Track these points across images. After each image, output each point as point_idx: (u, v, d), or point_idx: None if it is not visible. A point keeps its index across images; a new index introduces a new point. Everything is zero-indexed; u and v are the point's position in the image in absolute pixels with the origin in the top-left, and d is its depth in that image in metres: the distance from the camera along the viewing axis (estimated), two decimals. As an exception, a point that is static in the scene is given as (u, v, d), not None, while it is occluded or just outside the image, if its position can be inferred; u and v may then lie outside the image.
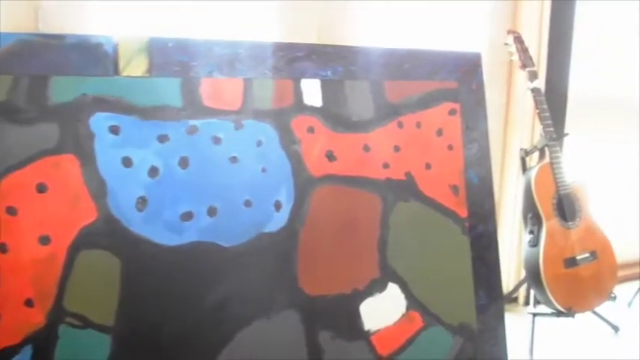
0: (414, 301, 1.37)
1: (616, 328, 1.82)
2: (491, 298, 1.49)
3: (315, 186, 1.29)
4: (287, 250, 1.26)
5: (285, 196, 1.26)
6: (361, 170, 1.33)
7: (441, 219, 1.42)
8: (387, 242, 1.35)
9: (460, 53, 1.50)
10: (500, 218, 2.03)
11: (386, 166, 1.36)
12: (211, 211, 1.20)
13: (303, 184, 1.28)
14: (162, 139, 1.18)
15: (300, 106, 1.29)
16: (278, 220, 1.25)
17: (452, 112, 1.46)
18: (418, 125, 1.41)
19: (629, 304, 2.01)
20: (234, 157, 1.23)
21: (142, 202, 1.15)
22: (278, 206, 1.25)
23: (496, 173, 1.99)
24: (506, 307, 1.97)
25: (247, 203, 1.23)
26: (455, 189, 1.45)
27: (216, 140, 1.22)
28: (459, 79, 1.49)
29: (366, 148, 1.34)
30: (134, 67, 1.20)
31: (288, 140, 1.27)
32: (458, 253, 1.44)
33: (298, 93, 1.30)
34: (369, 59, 1.39)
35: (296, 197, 1.27)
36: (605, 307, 1.76)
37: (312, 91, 1.31)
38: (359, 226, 1.33)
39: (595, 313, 1.77)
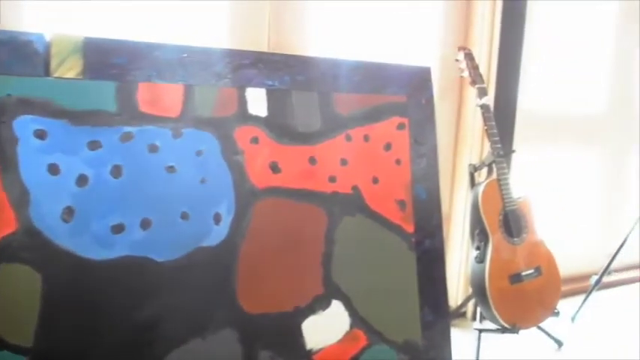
0: (358, 319, 1.34)
1: (560, 343, 1.84)
2: (437, 314, 1.47)
3: (257, 198, 1.24)
4: (226, 265, 1.20)
5: (226, 209, 1.21)
6: (306, 183, 1.29)
7: (387, 234, 1.39)
8: (332, 258, 1.31)
9: (410, 68, 1.50)
10: (450, 233, 2.03)
11: (332, 179, 1.33)
12: (145, 224, 1.13)
13: (245, 196, 1.23)
14: (94, 145, 1.11)
15: (244, 116, 1.25)
16: (217, 234, 1.19)
17: (400, 126, 1.44)
18: (366, 139, 1.39)
19: (573, 318, 2.05)
20: (172, 167, 1.16)
21: (68, 212, 1.07)
22: (217, 219, 1.20)
23: (446, 188, 2.00)
24: (455, 322, 1.97)
25: (184, 216, 1.17)
26: (402, 204, 1.43)
27: (153, 148, 1.15)
28: (409, 94, 1.48)
29: (312, 161, 1.31)
30: (67, 67, 1.12)
31: (230, 150, 1.22)
32: (404, 268, 1.42)
33: (243, 102, 1.25)
34: (318, 70, 1.36)
35: (237, 210, 1.21)
36: (549, 322, 1.78)
37: (257, 101, 1.26)
38: (303, 241, 1.29)
39: (539, 328, 1.79)
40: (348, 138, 1.36)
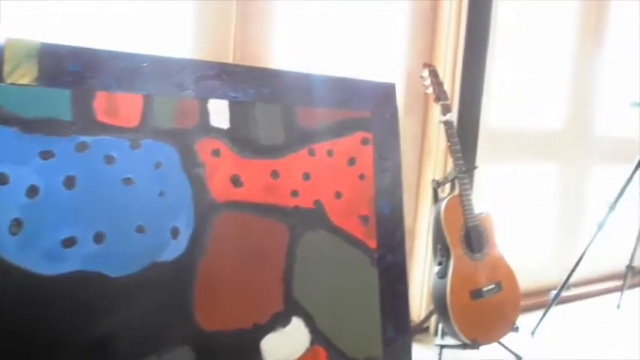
0: (318, 336, 1.32)
1: (519, 358, 1.86)
2: (398, 330, 1.47)
3: (218, 212, 1.21)
4: (183, 281, 1.17)
5: (184, 223, 1.17)
6: (268, 197, 1.28)
7: (349, 249, 1.39)
8: (293, 274, 1.30)
9: (375, 83, 1.50)
10: (414, 248, 2.04)
11: (295, 193, 1.31)
12: (98, 237, 1.09)
13: (205, 209, 1.20)
14: (46, 155, 1.06)
15: (205, 128, 1.22)
16: (174, 249, 1.16)
17: (364, 141, 1.45)
18: (330, 153, 1.38)
19: (532, 333, 2.09)
20: (129, 179, 1.13)
21: (16, 224, 1.02)
22: (175, 233, 1.16)
23: (411, 204, 2.01)
24: (418, 337, 1.97)
25: (140, 229, 1.13)
26: (365, 219, 1.42)
27: (109, 159, 1.12)
28: (373, 109, 1.48)
29: (275, 175, 1.29)
30: (21, 73, 1.08)
31: (190, 163, 1.19)
32: (366, 284, 1.41)
33: (204, 113, 1.23)
34: (283, 83, 1.35)
35: (196, 224, 1.18)
36: (508, 337, 1.80)
37: (219, 113, 1.24)
38: (263, 257, 1.27)
39: (499, 343, 1.81)
40: (312, 152, 1.35)
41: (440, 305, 1.63)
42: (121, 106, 1.14)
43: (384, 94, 1.51)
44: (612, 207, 2.04)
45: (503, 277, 1.75)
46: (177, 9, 1.52)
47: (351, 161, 1.42)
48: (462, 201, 1.69)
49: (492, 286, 1.70)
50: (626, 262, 2.44)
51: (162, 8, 1.51)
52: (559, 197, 2.56)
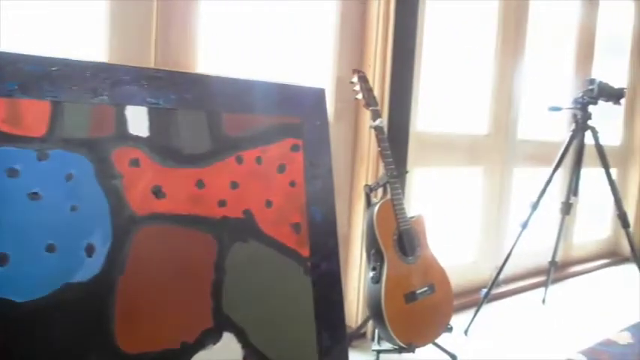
0: (251, 350, 1.27)
1: (454, 357, 1.89)
2: (334, 339, 1.44)
3: (138, 226, 1.14)
4: (101, 302, 1.08)
5: (100, 239, 1.09)
6: (194, 208, 1.21)
7: (281, 259, 1.35)
8: (223, 287, 1.24)
9: (304, 88, 1.48)
10: (349, 254, 2.03)
11: (222, 203, 1.26)
12: (1, 260, 0.98)
13: (124, 224, 1.12)
14: (-64, 169, 0.95)
15: (123, 136, 1.14)
16: (90, 268, 1.07)
17: (294, 147, 1.42)
18: (258, 161, 1.34)
19: (466, 332, 2.13)
20: (36, 194, 1.03)
21: None
22: (90, 251, 1.08)
23: (344, 210, 2.00)
24: (355, 342, 1.96)
25: (50, 248, 1.03)
26: (297, 227, 1.39)
27: (12, 173, 1.01)
28: (303, 115, 1.46)
29: (200, 185, 1.23)
30: None
31: (106, 174, 1.11)
32: (300, 294, 1.38)
33: (121, 121, 1.15)
34: (208, 88, 1.30)
35: (114, 240, 1.10)
36: (443, 338, 1.82)
37: (138, 120, 1.17)
38: (190, 271, 1.20)
39: (434, 343, 1.83)
40: (240, 160, 1.31)
41: (375, 310, 1.62)
42: (25, 114, 1.04)
43: (314, 99, 1.49)
44: (535, 206, 2.13)
45: (436, 279, 1.78)
46: (90, 8, 1.42)
47: (281, 168, 1.39)
48: (394, 205, 1.69)
49: (425, 288, 1.72)
50: (549, 259, 2.56)
51: (74, 8, 1.41)
52: (485, 199, 2.65)
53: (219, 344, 1.22)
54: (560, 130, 3.05)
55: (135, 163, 1.15)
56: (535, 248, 2.87)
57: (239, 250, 1.27)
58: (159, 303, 1.15)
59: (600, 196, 3.49)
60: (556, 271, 2.62)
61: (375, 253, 1.65)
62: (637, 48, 3.47)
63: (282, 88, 1.44)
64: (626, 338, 1.05)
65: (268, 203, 1.34)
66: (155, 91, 1.21)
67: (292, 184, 1.40)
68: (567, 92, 3.01)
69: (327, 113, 1.54)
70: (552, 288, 2.66)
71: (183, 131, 1.23)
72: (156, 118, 1.19)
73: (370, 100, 1.74)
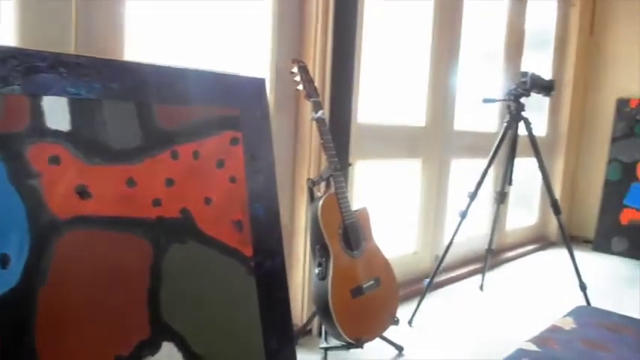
0: (194, 359, 1.18)
1: (401, 349, 1.89)
2: (281, 340, 1.38)
3: (61, 232, 1.02)
4: (19, 318, 0.95)
5: (16, 248, 0.96)
6: (125, 209, 1.11)
7: (223, 260, 1.27)
8: (160, 294, 1.14)
9: (243, 78, 1.40)
10: (293, 250, 1.98)
11: (157, 203, 1.16)
12: None
13: (44, 230, 0.99)
14: None
15: (40, 131, 1.02)
16: (5, 281, 0.94)
17: (234, 141, 1.34)
18: (196, 155, 1.25)
19: (410, 322, 2.15)
20: None
21: None
22: (5, 261, 0.95)
23: (287, 204, 1.94)
24: (301, 340, 1.91)
25: (-46, 260, 0.90)
26: (238, 225, 1.32)
27: None
28: (242, 106, 1.38)
29: (131, 183, 1.12)
30: None
31: (21, 173, 0.98)
32: (244, 296, 1.30)
33: (38, 113, 1.02)
34: (138, 77, 1.18)
35: (32, 248, 0.98)
36: (389, 330, 1.82)
37: (57, 112, 1.04)
38: (123, 278, 1.09)
39: (381, 337, 1.82)
40: (175, 155, 1.21)
41: (322, 307, 1.58)
42: None
43: (254, 90, 1.41)
44: (473, 196, 2.17)
45: (382, 272, 1.76)
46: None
47: (220, 163, 1.30)
48: (338, 199, 1.66)
49: (372, 282, 1.70)
50: (484, 246, 2.63)
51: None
52: (424, 190, 2.69)
53: (158, 355, 1.12)
54: (492, 122, 3.15)
55: (55, 160, 1.02)
56: (470, 236, 2.96)
57: (177, 252, 1.18)
58: (87, 315, 1.04)
59: (527, 185, 3.67)
60: (492, 257, 2.70)
61: (320, 249, 1.61)
62: (560, 42, 3.65)
63: (219, 77, 1.35)
64: (569, 323, 1.08)
65: (207, 201, 1.26)
66: (76, 80, 1.08)
67: (232, 179, 1.32)
68: (499, 85, 3.11)
69: (268, 104, 1.47)
70: (488, 274, 2.75)
71: (110, 125, 1.11)
72: (78, 110, 1.07)
73: (311, 91, 1.69)
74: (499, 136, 2.20)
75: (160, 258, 1.15)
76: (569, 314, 1.16)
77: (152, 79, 1.20)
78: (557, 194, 3.80)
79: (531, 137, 2.16)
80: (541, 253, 3.57)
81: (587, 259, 3.39)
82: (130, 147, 1.13)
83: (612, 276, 3.06)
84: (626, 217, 3.56)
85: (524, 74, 2.11)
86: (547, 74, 3.25)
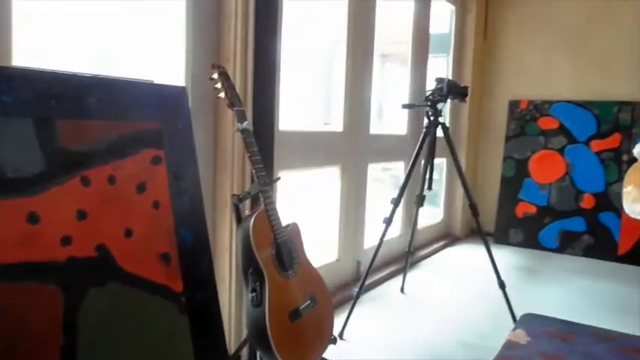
0: (121, 423, 1.00)
1: (333, 364, 1.81)
2: (218, 380, 1.24)
3: (-61, 289, 0.79)
4: None
5: None
6: (26, 253, 0.89)
7: (150, 300, 1.09)
8: (78, 350, 0.94)
9: (161, 87, 1.23)
10: (217, 274, 1.80)
11: (66, 241, 0.96)
12: None
13: None
14: None
15: None
16: None
17: (155, 160, 1.16)
18: (111, 180, 1.06)
19: (340, 335, 2.08)
20: None
21: None
22: None
23: (209, 224, 1.76)
24: (229, 369, 1.76)
25: None
26: (165, 257, 1.14)
27: None
28: (162, 119, 1.20)
29: (33, 219, 0.91)
30: None
31: None
32: (176, 337, 1.14)
33: None
34: (34, 87, 0.97)
35: None
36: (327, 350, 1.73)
37: None
38: (27, 340, 0.88)
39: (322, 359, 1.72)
40: (86, 181, 1.01)
41: (259, 336, 1.45)
42: None
43: (174, 99, 1.25)
44: (397, 202, 2.16)
45: (316, 289, 1.67)
46: None
47: (141, 187, 1.12)
48: (269, 216, 1.53)
49: (308, 301, 1.60)
50: (404, 249, 2.65)
51: None
52: (343, 197, 2.64)
53: None
54: (402, 125, 3.21)
55: None
56: (386, 239, 2.97)
57: (95, 297, 0.98)
58: (-19, 393, 0.82)
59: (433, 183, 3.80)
60: (412, 258, 2.73)
61: (253, 273, 1.47)
62: (458, 47, 3.83)
63: (134, 86, 1.16)
64: (523, 337, 1.07)
65: (128, 233, 1.07)
66: (-49, 93, 0.85)
67: (156, 204, 1.15)
68: (407, 89, 3.17)
69: (190, 115, 1.30)
70: (408, 276, 2.78)
71: (2, 148, 0.89)
72: (-44, 131, 0.84)
73: (234, 100, 1.54)
74: (419, 141, 2.21)
75: (74, 308, 0.95)
76: (518, 326, 1.15)
77: (53, 89, 1.00)
78: (460, 192, 4.00)
79: (449, 142, 2.20)
80: (449, 249, 3.72)
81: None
82: (29, 174, 0.92)
83: (513, 267, 3.25)
84: (521, 210, 3.83)
85: (441, 80, 2.14)
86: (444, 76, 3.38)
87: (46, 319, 0.90)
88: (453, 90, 2.13)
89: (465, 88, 2.17)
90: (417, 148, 2.21)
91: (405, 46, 3.22)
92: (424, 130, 2.21)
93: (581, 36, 3.63)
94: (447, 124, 2.24)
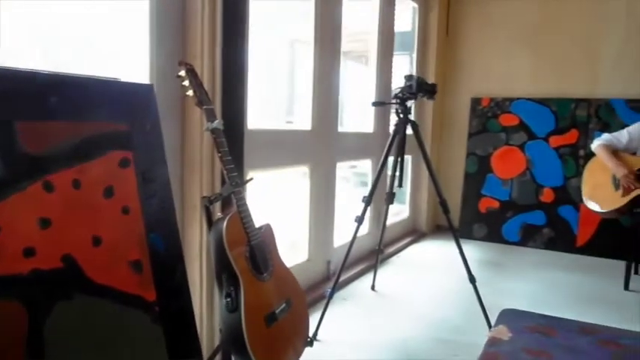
0: None
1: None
2: (194, 392, 1.18)
3: None
4: None
5: None
6: (-16, 266, 0.82)
7: (122, 312, 1.03)
8: (42, 370, 0.87)
9: (128, 85, 1.16)
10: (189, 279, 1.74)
11: (29, 252, 0.88)
12: None
13: None
14: None
15: None
16: None
17: (123, 162, 1.09)
18: (76, 185, 0.98)
19: (314, 337, 2.05)
20: None
21: None
22: None
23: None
24: (202, 377, 1.69)
25: None
26: (136, 265, 1.08)
27: None
28: (130, 119, 1.14)
29: (-9, 229, 0.84)
30: None
31: None
32: (150, 349, 1.08)
33: None
34: (-14, 86, 0.89)
35: None
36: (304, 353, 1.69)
37: None
38: (-13, 360, 0.81)
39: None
40: (48, 186, 0.94)
41: (235, 342, 1.39)
42: None
43: (142, 98, 1.18)
44: (368, 201, 2.15)
45: (291, 291, 1.63)
46: None
47: (109, 191, 1.05)
48: (242, 218, 1.48)
49: (283, 304, 1.56)
50: (373, 246, 2.65)
51: None
52: (313, 196, 2.61)
53: None
54: (369, 123, 3.20)
55: None
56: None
57: (63, 311, 0.91)
58: None
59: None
60: (382, 255, 2.73)
61: (228, 278, 1.42)
62: (421, 44, 3.86)
63: (99, 84, 1.09)
64: (505, 332, 1.07)
65: (96, 241, 1.00)
66: None
67: (125, 210, 1.08)
68: (374, 88, 3.16)
69: (158, 114, 1.24)
70: (379, 273, 2.78)
71: (-48, 152, 0.81)
72: None
73: (203, 98, 1.47)
74: (389, 140, 2.20)
75: (38, 323, 0.88)
76: (499, 322, 1.15)
77: (11, 88, 0.92)
78: (425, 188, 4.05)
79: (419, 139, 2.20)
80: (416, 245, 3.75)
81: (453, 246, 3.63)
82: (-16, 181, 0.84)
83: (478, 261, 3.31)
84: (484, 205, 3.91)
85: (410, 78, 2.14)
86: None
87: (9, 337, 0.83)
88: (422, 87, 2.13)
89: (434, 85, 2.17)
90: (387, 145, 2.20)
91: (364, 44, 3.21)
92: (394, 127, 2.21)
93: (539, 35, 3.73)
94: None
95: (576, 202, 3.54)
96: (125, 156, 1.10)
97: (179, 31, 1.63)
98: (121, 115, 1.11)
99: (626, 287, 2.78)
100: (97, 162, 1.03)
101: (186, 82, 1.47)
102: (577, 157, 3.59)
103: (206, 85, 1.58)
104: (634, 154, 2.85)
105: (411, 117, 2.21)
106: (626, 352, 1.00)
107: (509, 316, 1.18)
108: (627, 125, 2.94)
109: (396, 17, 3.34)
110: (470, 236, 3.91)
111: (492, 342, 1.05)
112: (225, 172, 1.49)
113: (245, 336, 1.38)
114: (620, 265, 2.96)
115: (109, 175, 1.05)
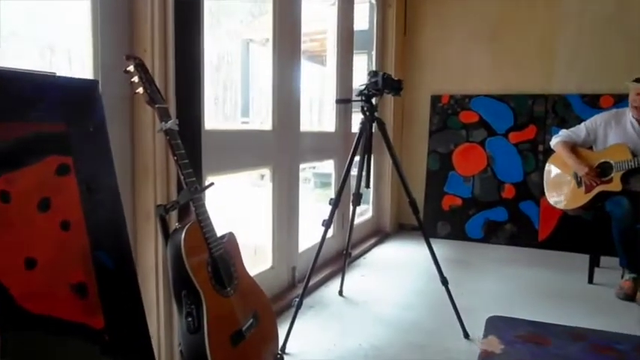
0: None
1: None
2: None
3: None
4: None
5: None
6: None
7: (64, 344, 0.87)
8: None
9: (66, 80, 1.01)
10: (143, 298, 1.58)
11: (-58, 282, 0.72)
12: None
13: None
14: None
15: None
16: None
17: (62, 169, 0.94)
18: (4, 198, 0.83)
19: (283, 349, 1.93)
20: None
21: None
22: None
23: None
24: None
25: None
26: (80, 289, 0.93)
27: None
28: (69, 119, 0.98)
29: None
30: None
31: None
32: (99, 386, 0.93)
33: None
34: None
35: None
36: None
37: None
38: None
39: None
40: (-32, 201, 0.78)
41: (198, 367, 1.26)
42: None
43: (83, 95, 1.03)
44: (335, 203, 2.04)
45: (257, 304, 1.51)
46: None
47: (44, 204, 0.90)
48: (202, 227, 1.35)
49: (250, 320, 1.43)
50: (340, 250, 2.55)
51: None
52: (275, 200, 2.48)
53: None
54: (331, 122, 3.11)
55: None
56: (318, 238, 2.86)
57: (-13, 353, 0.76)
58: None
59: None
60: (349, 259, 2.64)
61: (187, 295, 1.28)
62: (381, 43, 3.80)
63: (31, 79, 0.93)
64: (496, 344, 0.99)
65: (29, 263, 0.85)
66: None
67: (65, 225, 0.93)
68: (335, 87, 3.07)
69: (104, 113, 1.09)
70: (346, 277, 2.68)
71: None
72: None
73: (154, 96, 1.33)
74: (355, 139, 2.11)
75: (-44, 370, 0.72)
76: (488, 331, 1.08)
77: None
78: (388, 187, 3.99)
79: (385, 138, 2.12)
80: (381, 246, 3.69)
81: (419, 245, 3.59)
82: None
83: (443, 259, 3.24)
84: (447, 203, 3.89)
85: (375, 74, 2.05)
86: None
87: None
88: (388, 84, 2.05)
89: (400, 82, 2.10)
90: (354, 144, 2.11)
91: (320, 44, 3.12)
92: (359, 126, 2.11)
93: (495, 32, 3.75)
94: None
95: (537, 197, 3.57)
96: (63, 162, 0.94)
97: (127, 20, 1.47)
98: (59, 114, 0.95)
99: (590, 281, 2.80)
100: (29, 170, 0.87)
101: (135, 78, 1.32)
102: (536, 153, 3.63)
103: (158, 81, 1.43)
104: (590, 148, 2.88)
105: (377, 114, 2.12)
106: (623, 358, 0.95)
107: (496, 325, 1.11)
108: (583, 120, 2.97)
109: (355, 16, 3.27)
110: (434, 234, 3.88)
111: (485, 356, 0.97)
112: (182, 177, 1.35)
113: (209, 359, 1.24)
114: (581, 258, 2.99)
115: (44, 184, 0.90)
